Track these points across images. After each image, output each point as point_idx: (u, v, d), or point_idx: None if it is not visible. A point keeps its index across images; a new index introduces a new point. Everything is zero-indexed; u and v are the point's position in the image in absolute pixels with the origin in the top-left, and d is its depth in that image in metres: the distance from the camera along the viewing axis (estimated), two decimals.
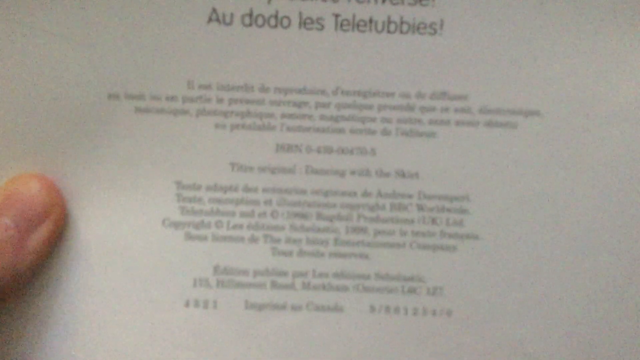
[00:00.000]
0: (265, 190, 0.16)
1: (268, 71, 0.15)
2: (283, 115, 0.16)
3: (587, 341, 0.16)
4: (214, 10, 0.15)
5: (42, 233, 0.15)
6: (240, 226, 0.16)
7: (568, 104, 0.16)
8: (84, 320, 0.16)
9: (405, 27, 0.15)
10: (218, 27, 0.15)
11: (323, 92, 0.16)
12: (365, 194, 0.16)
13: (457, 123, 0.16)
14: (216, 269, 0.16)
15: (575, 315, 0.16)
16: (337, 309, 0.16)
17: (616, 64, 0.15)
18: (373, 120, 0.16)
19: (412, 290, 0.16)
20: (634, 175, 0.16)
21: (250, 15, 0.15)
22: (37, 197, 0.15)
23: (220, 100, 0.16)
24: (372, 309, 0.16)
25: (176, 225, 0.16)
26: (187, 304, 0.16)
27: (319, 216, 0.16)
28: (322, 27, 0.15)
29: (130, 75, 0.15)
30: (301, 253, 0.16)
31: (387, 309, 0.16)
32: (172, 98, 0.15)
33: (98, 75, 0.15)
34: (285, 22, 0.15)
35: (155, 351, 0.16)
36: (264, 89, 0.16)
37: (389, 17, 0.15)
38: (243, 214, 0.16)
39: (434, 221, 0.16)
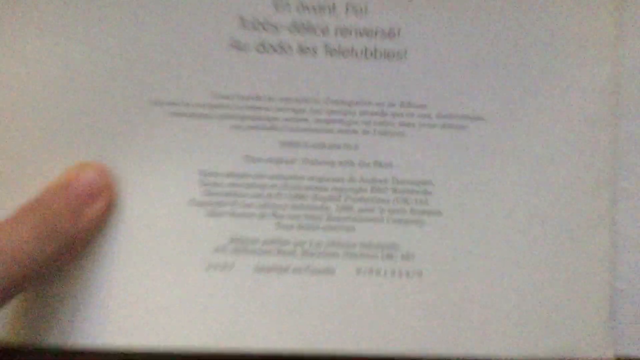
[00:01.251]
0: (271, 177, 0.20)
1: (274, 85, 0.20)
2: (285, 119, 0.20)
3: (530, 290, 0.20)
4: (234, 39, 0.20)
5: (96, 208, 0.19)
6: (251, 205, 0.20)
7: (506, 110, 0.21)
8: (123, 281, 0.19)
9: (378, 54, 0.21)
10: (236, 52, 0.20)
11: (316, 101, 0.20)
12: (351, 179, 0.20)
13: (420, 125, 0.20)
14: (232, 239, 0.20)
15: (518, 271, 0.20)
16: (329, 271, 0.20)
17: (544, 79, 0.21)
18: (355, 123, 0.20)
19: (389, 256, 0.20)
20: (560, 165, 0.21)
21: (262, 44, 0.20)
22: (92, 178, 0.19)
23: (237, 107, 0.20)
24: (358, 271, 0.20)
25: (199, 204, 0.20)
26: (208, 268, 0.20)
27: (314, 197, 0.20)
28: (316, 53, 0.20)
29: (168, 87, 0.20)
30: (300, 226, 0.20)
31: (370, 271, 0.20)
32: (199, 105, 0.20)
33: (145, 86, 0.20)
34: (288, 49, 0.20)
35: (181, 307, 0.19)
36: (270, 99, 0.20)
37: (366, 47, 0.21)
38: (253, 196, 0.20)
39: (405, 201, 0.20)
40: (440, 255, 0.20)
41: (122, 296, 0.19)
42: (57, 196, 0.18)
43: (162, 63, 0.20)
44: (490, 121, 0.21)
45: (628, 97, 0.21)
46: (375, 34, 0.20)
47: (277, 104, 0.20)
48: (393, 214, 0.20)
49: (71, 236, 0.18)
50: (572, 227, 0.20)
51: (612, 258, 0.21)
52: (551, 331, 0.20)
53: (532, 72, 0.21)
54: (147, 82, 0.20)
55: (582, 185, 0.20)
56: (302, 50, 0.20)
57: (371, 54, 0.20)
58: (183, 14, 0.20)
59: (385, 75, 0.20)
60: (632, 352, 0.21)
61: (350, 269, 0.20)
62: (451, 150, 0.20)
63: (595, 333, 0.20)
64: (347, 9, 0.21)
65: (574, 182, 0.20)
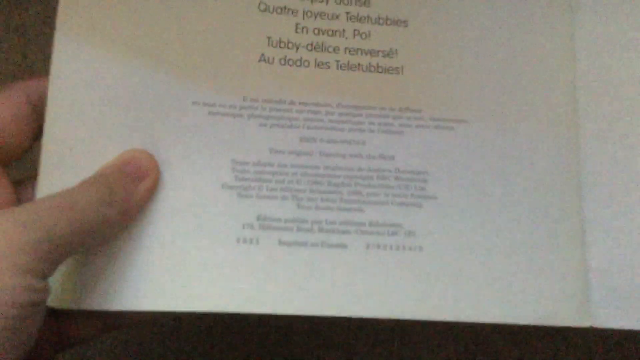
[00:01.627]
0: (292, 166, 0.24)
1: (294, 92, 0.24)
2: (304, 119, 0.24)
3: (514, 264, 0.23)
4: (262, 54, 0.24)
5: (145, 185, 0.22)
6: (275, 189, 0.23)
7: (485, 115, 0.25)
8: (164, 251, 0.22)
9: (380, 69, 0.25)
10: (264, 65, 0.24)
11: (330, 105, 0.24)
12: (359, 169, 0.24)
13: (416, 126, 0.24)
14: (258, 217, 0.23)
15: (503, 247, 0.23)
16: (342, 246, 0.23)
17: (515, 89, 0.25)
18: (362, 123, 0.24)
19: (394, 233, 0.23)
20: (532, 157, 0.24)
21: (285, 59, 0.24)
22: (142, 161, 0.22)
23: (263, 109, 0.24)
24: (367, 246, 0.23)
25: (231, 187, 0.23)
26: (237, 241, 0.23)
27: (329, 183, 0.24)
28: (329, 67, 0.25)
29: (208, 91, 0.24)
30: (317, 207, 0.23)
31: (377, 246, 0.23)
32: (232, 106, 0.24)
33: (189, 90, 0.24)
34: (306, 64, 0.25)
35: (215, 274, 0.22)
36: (292, 103, 0.24)
37: (369, 63, 0.25)
38: (277, 181, 0.23)
39: (406, 187, 0.24)
40: (437, 233, 0.24)
41: (163, 265, 0.22)
42: (114, 173, 0.22)
43: (204, 71, 0.24)
44: (472, 123, 0.25)
45: (585, 100, 0.25)
46: (377, 53, 0.25)
47: (297, 107, 0.24)
48: (396, 197, 0.24)
49: (124, 207, 0.21)
50: (546, 209, 0.24)
51: (582, 238, 0.24)
52: (534, 301, 0.23)
53: (505, 84, 0.25)
54: (191, 87, 0.24)
55: (552, 173, 0.24)
56: (318, 64, 0.25)
57: (374, 68, 0.25)
58: (224, 33, 0.24)
59: (386, 86, 0.25)
60: (606, 323, 0.24)
61: (361, 244, 0.23)
62: (442, 147, 0.24)
63: (572, 304, 0.23)
64: (354, 34, 0.25)
65: (545, 171, 0.24)
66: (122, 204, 0.21)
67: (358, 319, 0.22)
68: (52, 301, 0.22)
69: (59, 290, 0.22)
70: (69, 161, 0.23)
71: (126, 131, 0.23)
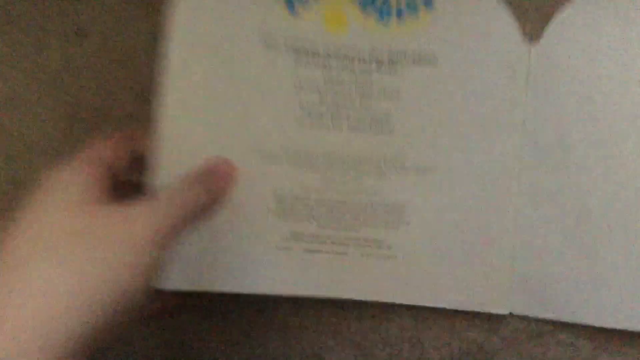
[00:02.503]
0: (314, 199, 0.36)
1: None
2: (324, 167, 0.36)
3: (453, 256, 0.35)
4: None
5: (226, 184, 0.34)
6: (303, 214, 0.36)
7: (450, 162, 0.36)
8: (229, 247, 0.36)
9: (377, 132, 0.36)
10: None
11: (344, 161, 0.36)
12: (359, 202, 0.36)
13: (400, 172, 0.36)
14: (292, 233, 0.36)
15: (451, 251, 0.35)
16: (344, 254, 0.36)
17: (473, 139, 0.36)
18: (362, 169, 0.36)
19: (378, 247, 0.35)
20: (481, 185, 0.35)
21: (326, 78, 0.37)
22: (224, 166, 0.35)
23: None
24: (362, 254, 0.36)
25: (274, 212, 0.36)
26: (278, 249, 0.36)
27: (338, 211, 0.36)
28: (352, 66, 0.36)
29: (257, 151, 0.36)
30: (330, 227, 0.36)
31: (368, 254, 0.36)
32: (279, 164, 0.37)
33: (249, 139, 0.37)
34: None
35: (267, 268, 0.36)
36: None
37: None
38: (303, 210, 0.36)
39: (389, 215, 0.36)
40: (408, 247, 0.36)
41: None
42: (208, 172, 0.34)
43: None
44: (441, 170, 0.36)
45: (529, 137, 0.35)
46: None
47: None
48: (382, 222, 0.36)
49: (214, 198, 0.34)
50: (482, 214, 0.35)
51: (512, 234, 0.35)
52: (465, 288, 0.35)
53: (468, 138, 0.36)
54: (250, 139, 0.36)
55: (492, 185, 0.35)
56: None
57: (367, 129, 0.36)
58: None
59: (380, 146, 0.36)
60: (525, 311, 0.35)
61: (357, 253, 0.36)
62: (417, 186, 0.36)
63: (494, 292, 0.35)
64: None
65: (489, 196, 0.35)
66: (214, 196, 0.34)
67: (370, 318, 0.36)
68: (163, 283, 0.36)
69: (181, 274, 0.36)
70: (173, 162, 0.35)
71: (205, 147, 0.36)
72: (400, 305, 0.36)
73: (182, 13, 0.35)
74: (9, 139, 0.42)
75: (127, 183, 0.34)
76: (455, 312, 0.35)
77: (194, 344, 0.39)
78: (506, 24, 0.35)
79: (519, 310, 0.35)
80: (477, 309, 0.35)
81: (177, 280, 0.35)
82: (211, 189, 0.34)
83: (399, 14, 0.36)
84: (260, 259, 0.36)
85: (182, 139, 0.35)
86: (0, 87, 0.42)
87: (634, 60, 0.35)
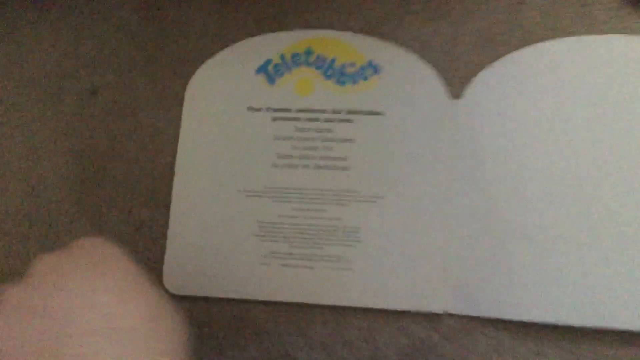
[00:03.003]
0: (288, 224, 0.45)
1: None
2: (297, 200, 0.45)
3: (401, 259, 0.44)
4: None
5: None
6: (278, 237, 0.45)
7: (394, 191, 0.45)
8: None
9: (334, 168, 0.45)
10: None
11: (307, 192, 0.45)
12: (322, 226, 0.45)
13: (355, 200, 0.45)
14: (271, 252, 0.45)
15: (402, 250, 0.44)
16: (312, 268, 0.44)
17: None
18: (324, 200, 0.45)
19: (338, 262, 0.44)
20: (425, 209, 0.44)
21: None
22: None
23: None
24: (323, 267, 0.44)
25: (258, 236, 0.45)
26: (260, 264, 0.44)
27: (307, 234, 0.45)
28: (318, 120, 0.45)
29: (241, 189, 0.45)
30: (299, 246, 0.45)
31: (330, 268, 0.44)
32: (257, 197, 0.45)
33: (237, 182, 0.45)
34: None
35: (247, 277, 0.44)
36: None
37: (327, 164, 0.45)
38: (280, 234, 0.45)
39: (347, 236, 0.45)
40: (363, 262, 0.44)
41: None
42: None
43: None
44: (388, 197, 0.45)
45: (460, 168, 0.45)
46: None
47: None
48: (341, 241, 0.44)
49: None
50: (421, 231, 0.44)
51: (445, 247, 0.44)
52: (409, 292, 0.43)
53: (408, 172, 0.45)
54: (238, 181, 0.45)
55: (428, 208, 0.44)
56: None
57: (329, 167, 0.45)
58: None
59: (339, 181, 0.45)
60: (458, 310, 0.44)
61: (320, 267, 0.44)
62: (370, 212, 0.45)
63: (432, 294, 0.43)
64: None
65: (425, 204, 0.44)
66: None
67: (334, 322, 0.44)
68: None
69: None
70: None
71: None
72: (357, 309, 0.44)
73: (191, 95, 0.48)
74: (29, 178, 0.50)
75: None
76: (402, 313, 0.44)
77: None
78: (434, 85, 0.46)
79: (453, 309, 0.44)
80: (419, 309, 0.43)
81: (182, 286, 0.44)
82: None
83: (354, 79, 0.46)
84: (245, 271, 0.44)
85: (191, 181, 0.46)
86: (22, 135, 0.51)
87: (541, 112, 0.45)
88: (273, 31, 0.48)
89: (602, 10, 0.46)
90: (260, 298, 0.44)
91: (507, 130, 0.44)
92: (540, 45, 0.45)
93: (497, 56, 0.46)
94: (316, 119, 0.46)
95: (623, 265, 0.41)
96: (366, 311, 0.44)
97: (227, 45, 0.48)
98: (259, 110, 0.46)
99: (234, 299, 0.45)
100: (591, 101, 0.43)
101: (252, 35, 0.48)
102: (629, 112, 0.43)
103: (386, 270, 0.44)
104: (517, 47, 0.46)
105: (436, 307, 0.44)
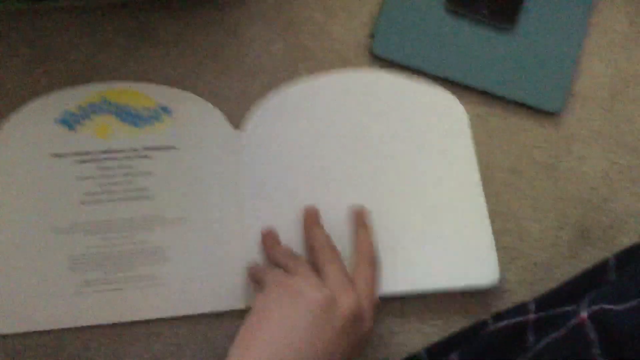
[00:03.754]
0: (96, 253, 0.49)
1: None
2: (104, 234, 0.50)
3: None
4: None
5: None
6: (89, 266, 0.49)
7: (197, 214, 0.51)
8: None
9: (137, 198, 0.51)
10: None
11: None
12: (130, 250, 0.50)
13: (159, 225, 0.51)
14: (84, 283, 0.48)
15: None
16: (120, 289, 0.49)
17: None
18: (133, 230, 0.50)
19: (146, 279, 0.49)
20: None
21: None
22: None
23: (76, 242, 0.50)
24: (135, 287, 0.49)
25: (72, 263, 0.48)
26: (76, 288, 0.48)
27: (113, 257, 0.49)
28: (118, 159, 0.51)
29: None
30: (109, 271, 0.49)
31: (140, 287, 0.49)
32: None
33: (48, 219, 0.49)
34: None
35: (56, 301, 0.47)
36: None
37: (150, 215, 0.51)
38: (90, 263, 0.49)
39: (154, 255, 0.50)
40: (170, 278, 0.50)
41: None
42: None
43: None
44: (189, 220, 0.51)
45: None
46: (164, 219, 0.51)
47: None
48: (147, 261, 0.50)
49: None
50: (219, 245, 0.51)
51: (239, 254, 0.51)
52: (215, 296, 0.49)
53: (204, 197, 0.52)
54: (47, 220, 0.49)
55: (223, 226, 0.51)
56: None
57: (133, 198, 0.51)
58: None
59: (144, 209, 0.51)
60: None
61: (132, 287, 0.49)
62: (172, 235, 0.51)
63: (235, 294, 0.50)
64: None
65: (220, 223, 0.51)
66: None
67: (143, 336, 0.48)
68: None
69: None
70: None
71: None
72: (165, 324, 0.49)
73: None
74: None
75: None
76: (206, 315, 0.50)
77: None
78: (218, 118, 0.54)
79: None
80: (225, 308, 0.49)
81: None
82: None
83: (148, 121, 0.53)
84: (59, 304, 0.48)
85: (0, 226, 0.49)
86: None
87: (314, 138, 0.54)
88: (70, 86, 0.54)
89: (352, 53, 0.58)
90: (75, 325, 0.48)
91: (282, 152, 0.54)
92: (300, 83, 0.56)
93: (267, 87, 0.55)
94: (116, 158, 0.52)
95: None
96: (174, 323, 0.49)
97: (28, 100, 0.53)
98: (62, 156, 0.51)
99: (49, 331, 0.48)
100: (344, 125, 0.54)
101: (49, 91, 0.53)
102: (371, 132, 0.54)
103: (193, 281, 0.50)
104: (283, 80, 0.56)
105: (242, 304, 0.50)
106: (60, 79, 0.54)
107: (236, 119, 0.55)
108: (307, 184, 0.53)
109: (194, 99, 0.54)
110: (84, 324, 0.48)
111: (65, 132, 0.52)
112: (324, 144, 0.54)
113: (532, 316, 0.44)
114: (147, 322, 0.49)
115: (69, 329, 0.48)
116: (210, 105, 0.54)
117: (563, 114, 0.56)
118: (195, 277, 0.50)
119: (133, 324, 0.49)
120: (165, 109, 0.54)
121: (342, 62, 0.57)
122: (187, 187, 0.52)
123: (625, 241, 0.53)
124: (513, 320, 0.45)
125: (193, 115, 0.54)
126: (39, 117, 0.52)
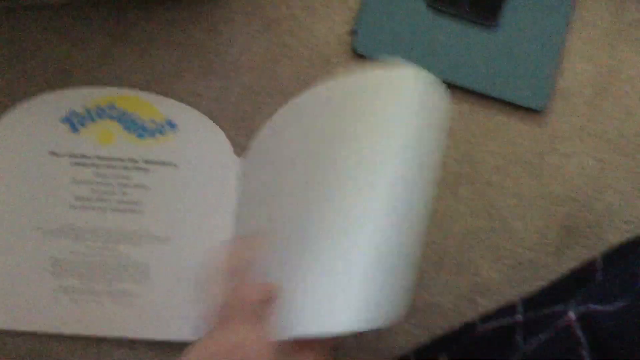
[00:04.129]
0: (84, 262, 0.48)
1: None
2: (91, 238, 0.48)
3: None
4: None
5: None
6: (74, 274, 0.47)
7: (180, 235, 0.50)
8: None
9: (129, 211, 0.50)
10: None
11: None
12: (114, 263, 0.48)
13: (144, 243, 0.49)
14: (59, 288, 0.47)
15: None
16: (101, 303, 0.48)
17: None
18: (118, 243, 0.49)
19: (125, 295, 0.48)
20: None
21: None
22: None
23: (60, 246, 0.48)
24: (114, 301, 0.48)
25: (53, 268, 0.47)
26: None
27: (97, 269, 0.48)
28: (116, 167, 0.49)
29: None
30: (93, 281, 0.48)
31: (120, 302, 0.48)
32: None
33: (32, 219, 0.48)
34: None
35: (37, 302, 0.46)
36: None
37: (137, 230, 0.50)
38: (75, 269, 0.47)
39: (135, 269, 0.49)
40: (147, 298, 0.49)
41: None
42: None
43: None
44: (174, 240, 0.50)
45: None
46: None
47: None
48: (130, 277, 0.49)
49: None
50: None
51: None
52: (192, 319, 0.48)
53: (194, 217, 0.50)
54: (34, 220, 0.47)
55: (207, 246, 0.50)
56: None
57: (124, 210, 0.49)
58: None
59: (133, 222, 0.49)
60: None
61: (110, 302, 0.48)
62: (156, 252, 0.49)
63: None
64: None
65: (205, 245, 0.49)
66: None
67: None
68: None
69: None
70: None
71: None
72: (141, 344, 0.48)
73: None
74: None
75: None
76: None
77: None
78: (221, 142, 0.53)
79: None
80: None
81: None
82: None
83: (152, 133, 0.52)
84: (37, 305, 0.47)
85: None
86: None
87: (307, 164, 0.49)
88: (61, 87, 0.52)
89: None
90: (50, 331, 0.47)
91: (286, 179, 0.50)
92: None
93: (248, 86, 0.54)
94: (114, 166, 0.50)
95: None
96: (152, 345, 0.48)
97: (19, 100, 0.51)
98: (60, 155, 0.50)
99: (31, 333, 0.47)
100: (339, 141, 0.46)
101: (42, 91, 0.51)
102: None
103: (171, 306, 0.49)
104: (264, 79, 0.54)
105: None
106: (35, 79, 0.53)
107: (216, 119, 0.53)
108: (301, 220, 0.48)
109: (201, 119, 0.53)
110: (59, 331, 0.47)
111: (67, 132, 0.51)
112: (316, 170, 0.48)
113: (519, 317, 0.44)
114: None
115: (49, 335, 0.47)
116: (216, 127, 0.53)
117: (547, 111, 0.55)
118: (174, 302, 0.49)
119: (109, 339, 0.48)
120: (171, 124, 0.52)
121: (324, 59, 0.56)
122: (180, 207, 0.51)
123: (611, 238, 0.53)
124: (501, 322, 0.44)
125: (197, 134, 0.53)
126: (45, 112, 0.51)
